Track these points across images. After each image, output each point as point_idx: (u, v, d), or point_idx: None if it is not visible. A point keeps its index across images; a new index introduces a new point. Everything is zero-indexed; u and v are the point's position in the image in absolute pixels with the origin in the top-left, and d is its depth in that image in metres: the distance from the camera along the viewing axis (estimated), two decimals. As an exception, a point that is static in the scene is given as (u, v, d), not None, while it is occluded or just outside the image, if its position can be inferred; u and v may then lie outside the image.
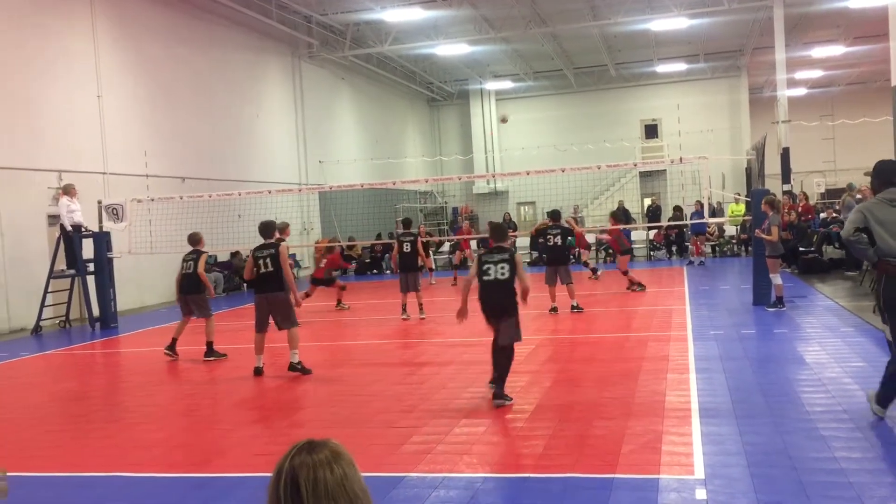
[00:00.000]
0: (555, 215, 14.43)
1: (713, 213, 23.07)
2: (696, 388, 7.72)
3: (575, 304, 13.64)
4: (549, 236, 13.97)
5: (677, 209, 24.77)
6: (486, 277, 7.72)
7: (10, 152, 15.32)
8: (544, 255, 14.77)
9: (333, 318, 15.57)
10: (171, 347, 11.38)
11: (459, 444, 6.34)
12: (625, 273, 16.68)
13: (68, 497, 5.73)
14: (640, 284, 16.52)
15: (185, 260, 11.59)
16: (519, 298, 7.66)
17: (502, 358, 7.69)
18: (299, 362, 9.63)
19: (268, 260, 9.84)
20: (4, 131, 15.28)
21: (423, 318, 14.13)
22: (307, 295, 15.99)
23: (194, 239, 11.77)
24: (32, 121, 15.96)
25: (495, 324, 7.73)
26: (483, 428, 6.84)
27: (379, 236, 28.04)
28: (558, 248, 13.92)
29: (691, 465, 5.50)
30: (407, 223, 15.72)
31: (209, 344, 11.21)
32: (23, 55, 15.80)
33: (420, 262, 15.18)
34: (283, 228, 13.63)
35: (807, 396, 7.21)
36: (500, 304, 7.68)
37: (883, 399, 6.39)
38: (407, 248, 14.63)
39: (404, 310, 14.40)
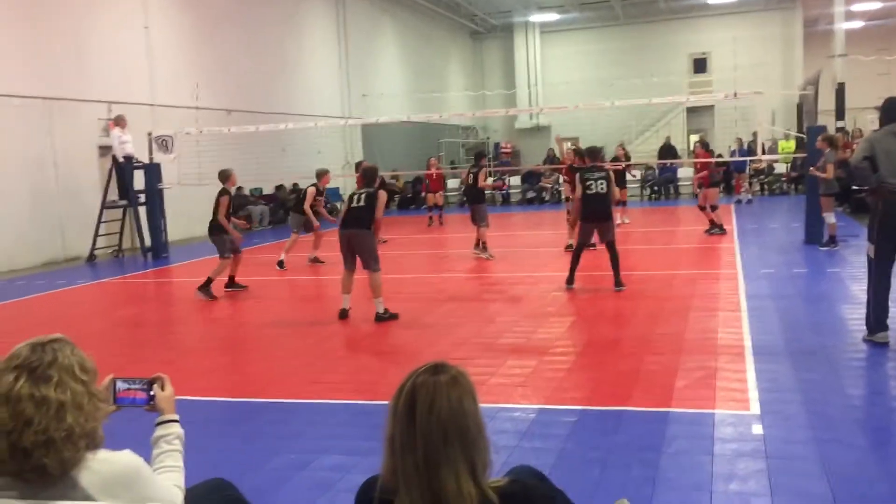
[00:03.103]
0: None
1: (765, 151, 22.56)
2: (748, 325, 7.68)
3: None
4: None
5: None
6: (589, 192, 10.08)
7: (59, 83, 15.47)
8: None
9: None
10: (231, 284, 11.24)
11: (513, 377, 6.43)
12: (713, 208, 15.12)
13: (129, 417, 5.93)
14: (721, 227, 15.07)
15: (217, 198, 11.17)
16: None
17: (612, 252, 10.01)
18: (385, 310, 8.91)
19: (362, 196, 9.04)
20: (53, 63, 15.41)
21: (485, 258, 13.28)
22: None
23: (224, 176, 11.19)
24: (81, 52, 16.06)
25: (597, 227, 10.14)
26: (535, 361, 6.91)
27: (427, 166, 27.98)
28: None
29: (746, 400, 5.51)
30: (478, 155, 14.93)
31: (209, 280, 10.90)
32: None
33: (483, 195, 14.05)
34: (322, 174, 13.66)
35: (860, 335, 7.14)
36: (603, 210, 10.08)
37: (876, 323, 6.72)
38: (471, 179, 14.05)
39: (481, 246, 13.41)
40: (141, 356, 7.87)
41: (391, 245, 16.17)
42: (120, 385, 2.39)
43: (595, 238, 10.56)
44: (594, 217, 10.15)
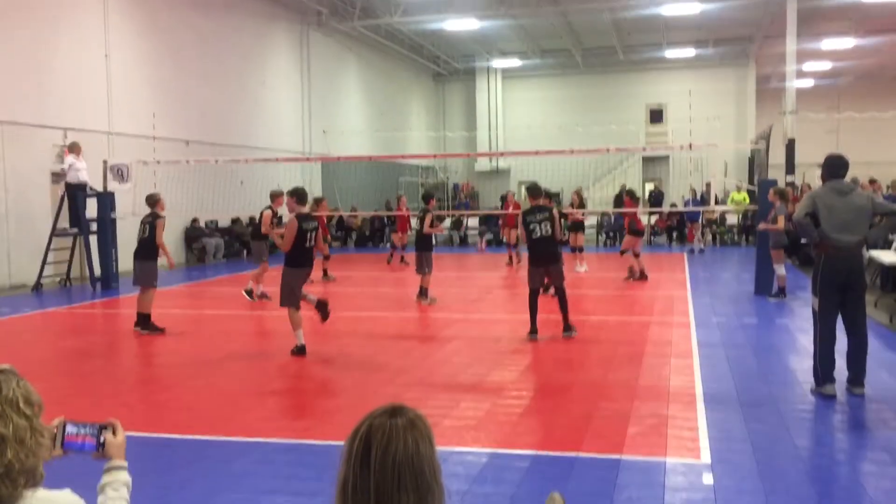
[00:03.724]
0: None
1: (717, 202, 23.04)
2: (699, 373, 7.77)
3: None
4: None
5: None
6: (533, 236, 9.72)
7: (16, 107, 15.22)
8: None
9: (328, 289, 15.56)
10: (143, 322, 10.67)
11: (466, 419, 6.38)
12: (634, 254, 15.47)
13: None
14: (643, 274, 15.47)
15: (141, 223, 10.87)
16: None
17: (562, 297, 9.73)
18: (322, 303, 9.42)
19: (313, 234, 9.10)
20: (11, 86, 15.17)
21: (426, 303, 12.89)
22: (327, 258, 16.37)
23: (152, 200, 10.89)
24: (40, 77, 15.84)
25: (544, 272, 9.78)
26: (489, 404, 6.88)
27: (389, 208, 28.05)
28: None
29: (697, 449, 5.54)
30: (424, 197, 14.32)
31: (145, 316, 10.55)
32: (32, 11, 15.65)
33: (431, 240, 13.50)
34: (276, 196, 13.29)
35: (808, 386, 7.25)
36: (550, 253, 9.77)
37: (823, 376, 6.86)
38: (417, 224, 13.68)
39: (423, 293, 12.99)
40: (85, 388, 7.65)
41: (349, 282, 16.08)
42: (70, 429, 2.29)
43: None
44: (541, 261, 9.80)
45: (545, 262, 9.80)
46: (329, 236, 17.71)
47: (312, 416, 6.74)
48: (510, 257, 19.29)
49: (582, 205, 18.40)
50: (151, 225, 10.70)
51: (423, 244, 13.06)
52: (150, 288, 10.66)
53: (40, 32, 15.86)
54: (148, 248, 10.71)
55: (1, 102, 14.91)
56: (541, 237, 9.73)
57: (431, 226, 13.17)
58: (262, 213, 13.53)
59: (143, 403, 7.10)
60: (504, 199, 20.70)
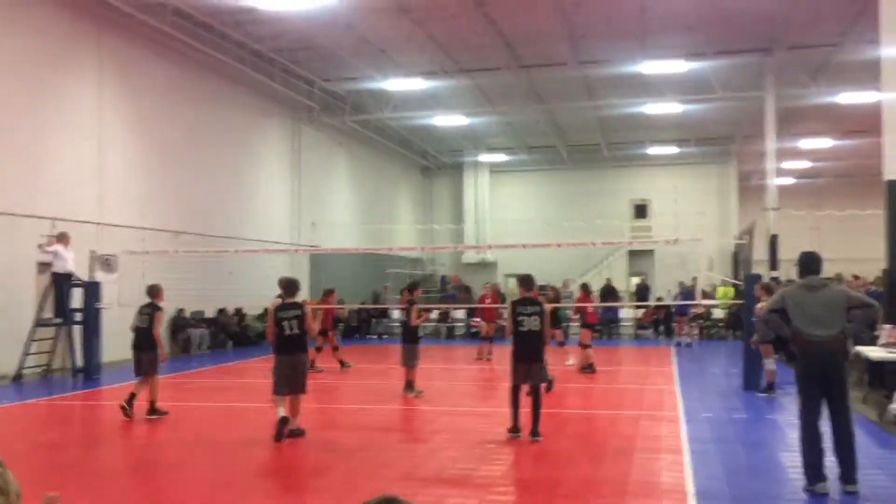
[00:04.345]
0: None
1: (704, 296, 23.18)
2: (690, 469, 7.65)
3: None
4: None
5: (583, 288, 18.15)
6: (521, 328, 9.27)
7: (5, 196, 15.28)
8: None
9: (314, 380, 15.38)
10: (129, 402, 10.74)
11: (453, 516, 6.23)
12: (585, 347, 15.72)
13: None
14: (591, 367, 15.54)
15: (140, 313, 11.15)
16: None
17: (536, 398, 9.17)
18: (298, 427, 9.41)
19: (294, 322, 9.43)
20: (2, 176, 15.28)
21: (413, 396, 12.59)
22: (318, 349, 16.27)
23: (153, 291, 11.20)
24: (31, 167, 15.99)
25: (527, 369, 9.22)
26: (476, 500, 6.73)
27: (377, 298, 28.05)
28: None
29: (691, 548, 5.42)
30: (410, 287, 14.07)
31: (152, 402, 10.79)
32: (28, 103, 15.94)
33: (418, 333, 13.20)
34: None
35: (800, 483, 7.14)
36: (535, 350, 9.30)
37: (811, 474, 6.75)
38: (403, 315, 13.51)
39: (408, 385, 12.73)
40: (62, 482, 7.43)
41: (335, 374, 15.90)
42: None
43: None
44: (525, 357, 9.28)
45: (528, 358, 9.27)
46: (331, 329, 17.59)
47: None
48: (479, 352, 18.40)
49: (556, 299, 17.43)
50: (150, 316, 10.95)
51: (410, 336, 12.96)
52: (154, 375, 10.90)
53: (35, 123, 16.09)
54: (150, 338, 10.94)
55: (-9, 192, 15.00)
56: (528, 331, 9.27)
57: (418, 317, 13.09)
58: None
59: (120, 497, 6.89)
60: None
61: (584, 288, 17.56)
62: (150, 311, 11.04)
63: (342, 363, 16.58)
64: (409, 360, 12.75)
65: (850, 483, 6.72)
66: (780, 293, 7.27)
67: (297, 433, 9.33)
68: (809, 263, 7.13)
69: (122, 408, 10.69)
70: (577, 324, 18.19)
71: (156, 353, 10.97)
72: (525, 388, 9.31)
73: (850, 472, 6.75)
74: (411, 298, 13.34)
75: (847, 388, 6.90)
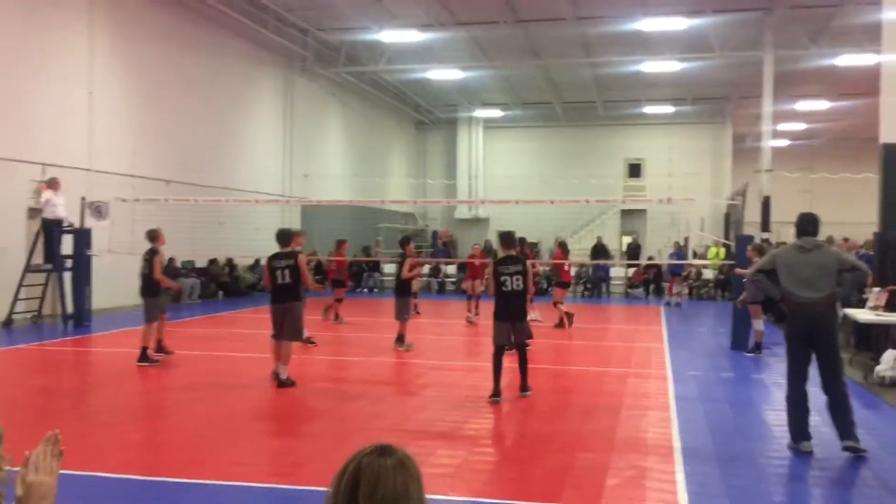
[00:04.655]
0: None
1: (695, 256, 23.27)
2: (677, 427, 7.72)
3: (525, 387, 9.14)
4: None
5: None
6: (504, 288, 8.98)
7: (-5, 141, 15.12)
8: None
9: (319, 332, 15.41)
10: (159, 349, 11.27)
11: (442, 467, 6.29)
12: (555, 304, 16.10)
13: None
14: (569, 315, 15.89)
15: (142, 259, 11.32)
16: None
17: (522, 354, 9.12)
18: (288, 378, 9.50)
19: (286, 271, 9.77)
20: (-9, 120, 15.10)
21: (403, 349, 12.62)
22: (339, 301, 16.55)
23: (153, 235, 11.33)
24: (21, 112, 15.77)
25: (510, 328, 8.98)
26: (465, 452, 6.79)
27: (367, 252, 28.01)
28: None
29: (676, 502, 5.49)
30: (402, 241, 14.04)
31: (143, 349, 10.91)
32: (18, 47, 15.65)
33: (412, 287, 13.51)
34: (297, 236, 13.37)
35: (785, 441, 7.23)
36: (518, 308, 9.08)
37: (795, 433, 6.86)
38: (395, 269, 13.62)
39: (400, 339, 12.75)
40: (51, 427, 7.44)
41: (326, 326, 15.93)
42: None
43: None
44: (508, 315, 9.04)
45: (512, 317, 9.03)
46: (349, 281, 17.70)
47: (284, 461, 6.61)
48: (469, 310, 17.51)
49: (565, 256, 17.19)
50: (150, 262, 11.08)
51: (402, 290, 12.98)
52: (154, 322, 11.11)
53: (25, 67, 15.84)
54: (150, 283, 11.12)
55: (-20, 136, 14.81)
56: (511, 291, 8.98)
57: (410, 271, 13.08)
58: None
59: (111, 443, 6.93)
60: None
61: (562, 246, 17.30)
62: (149, 255, 11.16)
63: (337, 315, 16.62)
64: (402, 314, 12.79)
65: (848, 439, 6.68)
66: (771, 254, 7.30)
67: (287, 383, 9.44)
68: (806, 224, 7.10)
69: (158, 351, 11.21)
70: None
71: (156, 299, 11.11)
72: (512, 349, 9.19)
73: (849, 428, 6.70)
74: (403, 252, 13.33)
75: (838, 350, 6.93)
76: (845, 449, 6.67)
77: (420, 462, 6.03)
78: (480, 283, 17.88)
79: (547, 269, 15.58)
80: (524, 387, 9.08)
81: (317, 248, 26.16)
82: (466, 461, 6.52)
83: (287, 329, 9.70)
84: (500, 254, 9.58)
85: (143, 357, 10.88)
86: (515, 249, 9.57)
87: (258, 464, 6.45)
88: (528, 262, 9.44)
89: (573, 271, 26.28)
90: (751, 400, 9.57)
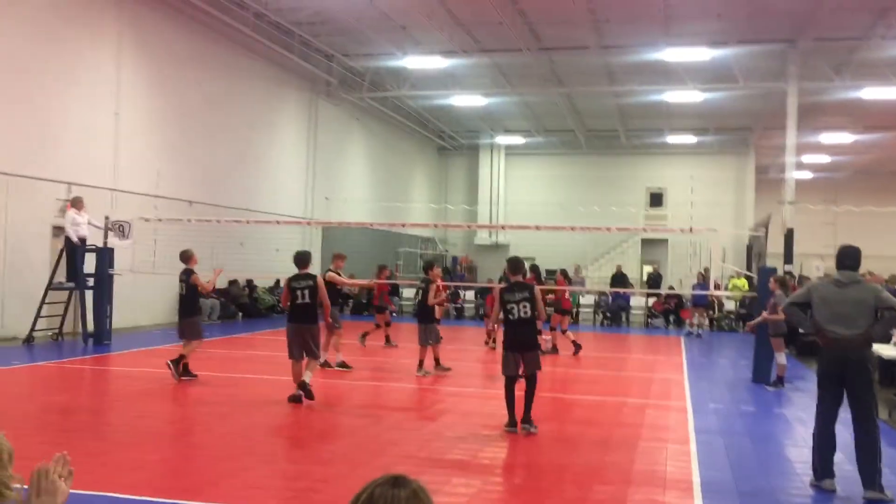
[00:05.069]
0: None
1: (717, 287, 23.08)
2: (697, 460, 7.61)
3: (529, 419, 8.64)
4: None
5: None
6: (510, 316, 8.59)
7: (20, 160, 15.28)
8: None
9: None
10: (176, 363, 11.23)
11: (456, 496, 6.22)
12: (563, 332, 16.20)
13: None
14: (554, 348, 16.00)
15: (180, 280, 11.57)
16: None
17: (531, 386, 8.63)
18: (309, 387, 9.84)
19: (306, 292, 10.03)
20: (20, 139, 15.29)
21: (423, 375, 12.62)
22: (378, 326, 16.81)
23: (186, 256, 11.61)
24: (48, 131, 15.99)
25: (520, 357, 8.60)
26: (480, 481, 6.72)
27: (391, 276, 27.91)
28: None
29: (695, 539, 5.39)
30: (426, 266, 14.22)
31: (181, 359, 11.09)
32: (46, 66, 15.89)
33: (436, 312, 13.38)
34: (338, 259, 13.90)
35: (807, 478, 7.09)
36: (527, 338, 8.68)
37: (819, 470, 6.69)
38: (419, 294, 13.53)
39: (435, 363, 12.93)
40: (69, 445, 7.43)
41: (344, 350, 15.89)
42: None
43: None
44: (517, 345, 8.65)
45: (520, 347, 8.63)
46: (391, 305, 17.77)
47: (298, 486, 6.56)
48: (488, 335, 17.66)
49: (539, 281, 16.86)
50: (187, 282, 11.33)
51: (426, 315, 12.94)
52: (191, 341, 11.31)
53: (53, 87, 16.08)
54: (189, 304, 11.41)
55: (7, 154, 15.00)
56: (518, 319, 8.58)
57: (436, 297, 12.95)
58: (325, 275, 13.52)
59: (127, 463, 6.91)
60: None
61: (564, 274, 17.65)
62: (185, 277, 11.41)
63: (387, 339, 16.82)
64: (425, 340, 12.79)
65: (869, 489, 6.40)
66: (807, 286, 7.10)
67: (301, 396, 9.74)
68: (844, 258, 6.81)
69: (168, 365, 11.13)
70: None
71: (195, 319, 11.48)
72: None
73: (872, 476, 6.42)
74: (427, 277, 13.36)
75: (872, 390, 6.64)
76: (866, 499, 6.39)
77: (434, 491, 5.95)
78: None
79: (550, 296, 15.62)
80: (527, 418, 8.55)
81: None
82: (481, 491, 6.45)
83: (308, 349, 9.97)
84: (508, 280, 9.18)
85: (184, 370, 11.09)
86: (526, 276, 9.33)
87: (272, 487, 6.41)
88: (537, 288, 8.97)
89: (592, 300, 26.32)
90: (773, 435, 9.41)
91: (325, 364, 12.86)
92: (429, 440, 8.28)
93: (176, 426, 8.84)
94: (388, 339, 16.80)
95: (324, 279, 13.11)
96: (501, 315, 8.73)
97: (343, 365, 12.94)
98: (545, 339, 16.06)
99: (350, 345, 15.20)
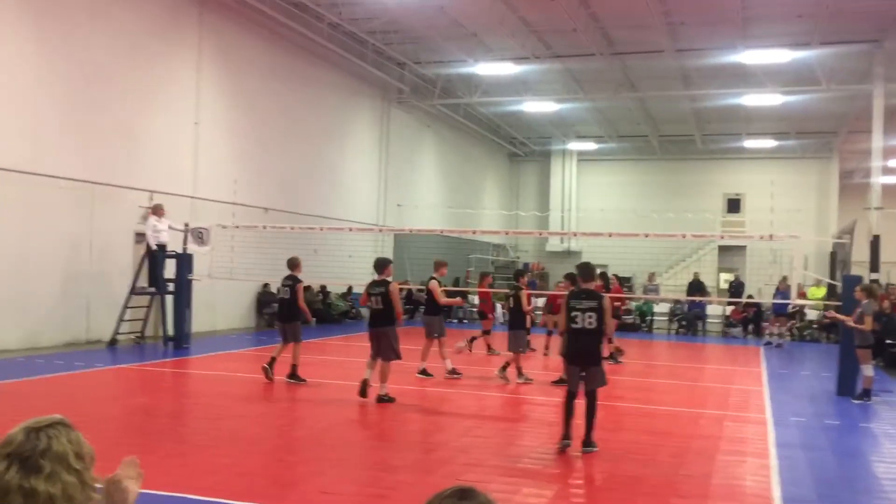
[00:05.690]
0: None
1: (800, 296, 22.37)
2: (777, 476, 7.35)
3: (589, 442, 8.02)
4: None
5: (603, 277, 16.80)
6: (574, 325, 8.06)
7: (106, 169, 15.84)
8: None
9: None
10: (270, 365, 11.74)
11: (529, 506, 6.15)
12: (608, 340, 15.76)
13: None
14: (617, 352, 15.72)
15: (282, 285, 12.10)
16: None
17: (591, 404, 8.04)
18: (386, 394, 10.28)
19: (378, 298, 10.49)
20: (103, 150, 15.84)
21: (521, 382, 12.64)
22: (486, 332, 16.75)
23: (292, 263, 12.19)
24: (132, 140, 16.54)
25: (581, 370, 8.09)
26: (552, 492, 6.63)
27: (456, 282, 28.00)
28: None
29: (776, 557, 5.19)
30: (517, 274, 14.19)
31: (293, 367, 11.63)
32: (130, 78, 16.43)
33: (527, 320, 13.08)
34: (441, 266, 14.15)
35: (898, 498, 6.79)
36: (591, 351, 8.11)
37: None
38: (511, 302, 13.23)
39: (518, 372, 12.78)
40: (150, 447, 7.67)
41: (417, 355, 15.95)
42: None
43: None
44: (579, 358, 8.08)
45: (583, 360, 8.08)
46: (492, 313, 17.61)
47: (369, 492, 6.58)
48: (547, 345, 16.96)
49: (606, 288, 16.27)
50: (292, 288, 11.86)
51: (518, 322, 12.96)
52: (296, 343, 11.75)
53: (136, 99, 16.63)
54: (293, 308, 11.88)
55: (94, 164, 15.57)
56: (581, 329, 8.00)
57: (529, 303, 13.08)
58: (428, 286, 13.79)
59: (204, 465, 7.06)
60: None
61: (604, 277, 17.12)
62: (291, 283, 11.90)
63: (489, 348, 16.72)
64: (516, 346, 12.83)
65: None
66: None
67: (385, 399, 10.20)
68: None
69: (264, 369, 11.66)
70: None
71: (298, 323, 11.89)
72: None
73: None
74: (517, 284, 13.45)
75: None
76: None
77: (505, 500, 5.90)
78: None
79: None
80: (587, 442, 7.94)
81: (409, 277, 26.38)
82: (553, 501, 6.36)
83: (381, 350, 10.46)
84: (579, 286, 8.50)
85: (293, 375, 11.57)
86: (596, 283, 8.51)
87: (345, 493, 6.45)
88: (607, 298, 8.30)
89: (666, 308, 25.83)
90: (858, 450, 9.03)
91: (424, 372, 13.04)
92: (501, 448, 8.23)
93: (251, 429, 8.99)
94: (489, 348, 16.69)
95: (426, 288, 13.42)
96: (564, 324, 8.17)
97: (454, 372, 13.05)
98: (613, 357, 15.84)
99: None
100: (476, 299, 26.95)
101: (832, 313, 12.48)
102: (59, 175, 14.82)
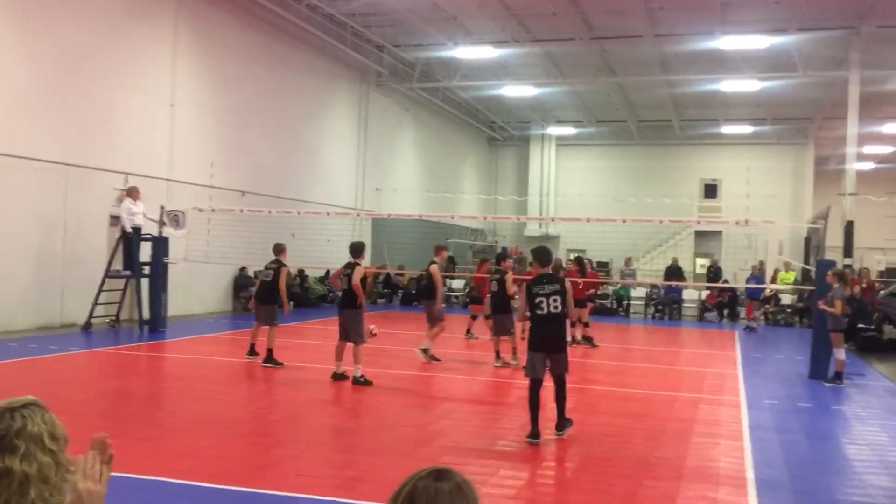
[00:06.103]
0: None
1: (773, 281, 22.57)
2: (750, 457, 7.43)
3: (562, 424, 7.94)
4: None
5: (577, 261, 17.68)
6: (538, 311, 7.83)
7: (80, 151, 15.63)
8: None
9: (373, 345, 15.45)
10: (251, 352, 12.06)
11: (505, 488, 6.18)
12: (584, 324, 15.84)
13: (112, 495, 5.68)
14: (584, 339, 15.76)
15: (266, 268, 12.23)
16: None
17: (561, 388, 7.90)
18: (362, 376, 10.39)
19: (344, 279, 10.81)
20: (79, 129, 15.63)
21: (500, 366, 12.71)
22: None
23: (278, 249, 12.33)
24: (106, 122, 16.32)
25: (545, 358, 7.87)
26: (528, 473, 6.67)
27: (454, 265, 27.96)
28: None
29: (748, 537, 5.26)
30: (499, 257, 14.02)
31: (269, 351, 11.69)
32: (104, 59, 16.21)
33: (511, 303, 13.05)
34: (442, 250, 14.64)
35: (869, 478, 6.89)
36: (556, 337, 7.90)
37: None
38: (494, 286, 13.08)
39: (512, 354, 12.81)
40: (125, 430, 7.61)
41: (394, 340, 15.96)
42: None
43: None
44: (544, 345, 7.83)
45: (548, 347, 7.81)
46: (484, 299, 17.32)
47: (344, 475, 6.58)
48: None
49: (582, 273, 16.58)
50: (276, 271, 11.97)
51: (503, 306, 12.88)
52: (272, 327, 11.82)
53: (111, 79, 16.40)
54: (271, 291, 11.95)
55: (67, 147, 15.35)
56: (547, 314, 7.76)
57: (513, 286, 12.81)
58: (429, 268, 13.71)
59: (179, 449, 7.03)
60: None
61: (578, 262, 17.33)
62: (275, 266, 12.03)
63: (468, 331, 16.88)
64: (505, 331, 12.83)
65: None
66: None
67: (361, 381, 10.32)
68: None
69: (250, 354, 12.05)
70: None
71: (276, 306, 11.94)
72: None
73: None
74: (500, 269, 13.25)
75: None
76: None
77: (482, 482, 5.92)
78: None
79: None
80: (560, 424, 7.83)
81: (386, 261, 26.35)
82: (529, 483, 6.40)
83: (349, 335, 10.70)
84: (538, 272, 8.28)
85: (269, 359, 11.66)
86: (553, 268, 8.48)
87: (321, 476, 6.45)
88: (568, 281, 8.16)
89: (643, 292, 26.01)
90: (830, 432, 9.16)
91: (432, 357, 12.97)
92: (479, 430, 8.25)
93: (228, 412, 8.95)
94: (468, 331, 16.82)
95: (427, 272, 13.38)
96: (527, 310, 7.99)
97: (429, 355, 12.99)
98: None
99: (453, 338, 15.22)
100: (453, 284, 27.04)
101: (822, 305, 12.56)
102: (33, 157, 14.60)
